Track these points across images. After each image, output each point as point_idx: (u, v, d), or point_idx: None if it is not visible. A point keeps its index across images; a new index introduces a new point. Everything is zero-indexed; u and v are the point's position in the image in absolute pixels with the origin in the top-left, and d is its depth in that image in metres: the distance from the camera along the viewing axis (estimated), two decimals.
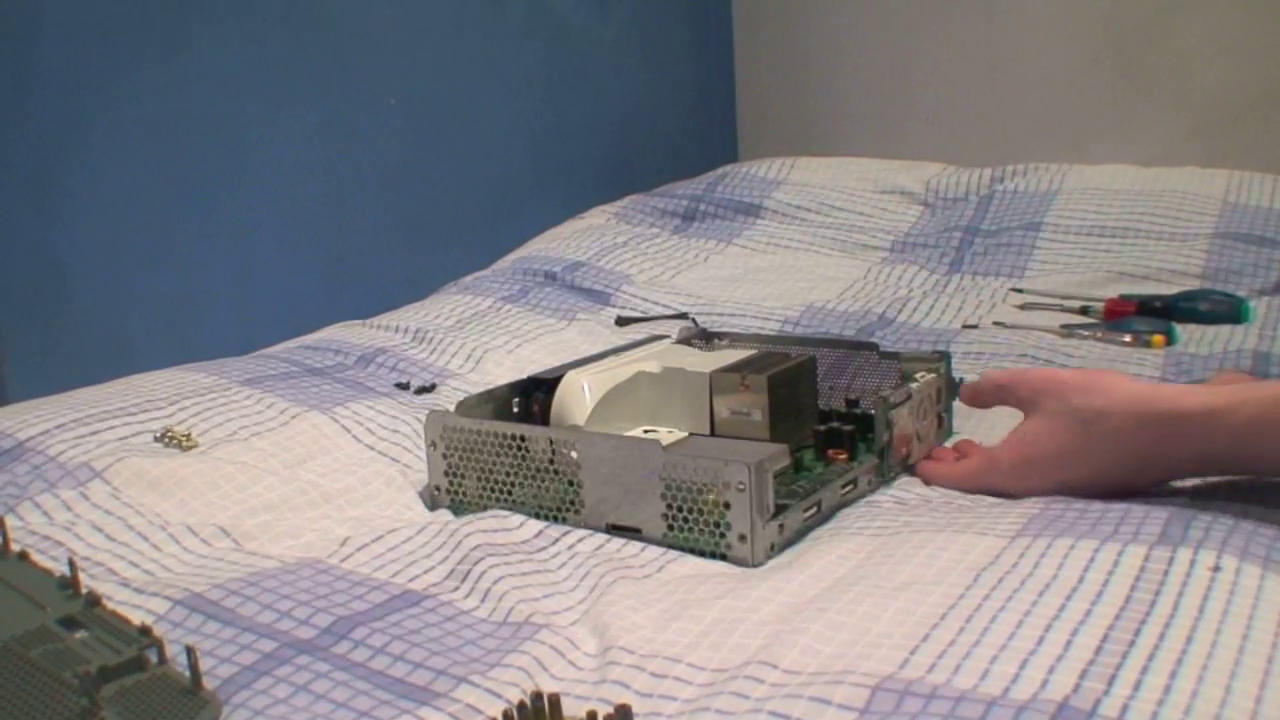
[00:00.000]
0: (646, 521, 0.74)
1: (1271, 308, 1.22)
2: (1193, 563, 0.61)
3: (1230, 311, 1.20)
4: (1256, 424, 0.66)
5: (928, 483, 0.82)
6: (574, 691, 0.56)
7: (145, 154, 1.32)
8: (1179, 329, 1.15)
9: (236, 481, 0.81)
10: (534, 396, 0.88)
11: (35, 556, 0.70)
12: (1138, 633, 0.54)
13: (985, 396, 0.83)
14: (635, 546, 0.73)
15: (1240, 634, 0.54)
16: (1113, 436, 0.72)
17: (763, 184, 1.71)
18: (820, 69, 2.03)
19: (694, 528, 0.72)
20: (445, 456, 0.82)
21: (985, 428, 0.92)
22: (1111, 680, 0.50)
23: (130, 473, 0.81)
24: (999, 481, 0.78)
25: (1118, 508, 0.70)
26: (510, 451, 0.79)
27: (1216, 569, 0.61)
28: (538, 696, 0.52)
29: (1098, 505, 0.71)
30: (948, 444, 0.90)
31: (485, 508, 0.80)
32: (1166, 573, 0.60)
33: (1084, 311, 1.25)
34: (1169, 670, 0.51)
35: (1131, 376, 0.75)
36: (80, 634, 0.59)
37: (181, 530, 0.76)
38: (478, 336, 1.21)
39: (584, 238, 1.57)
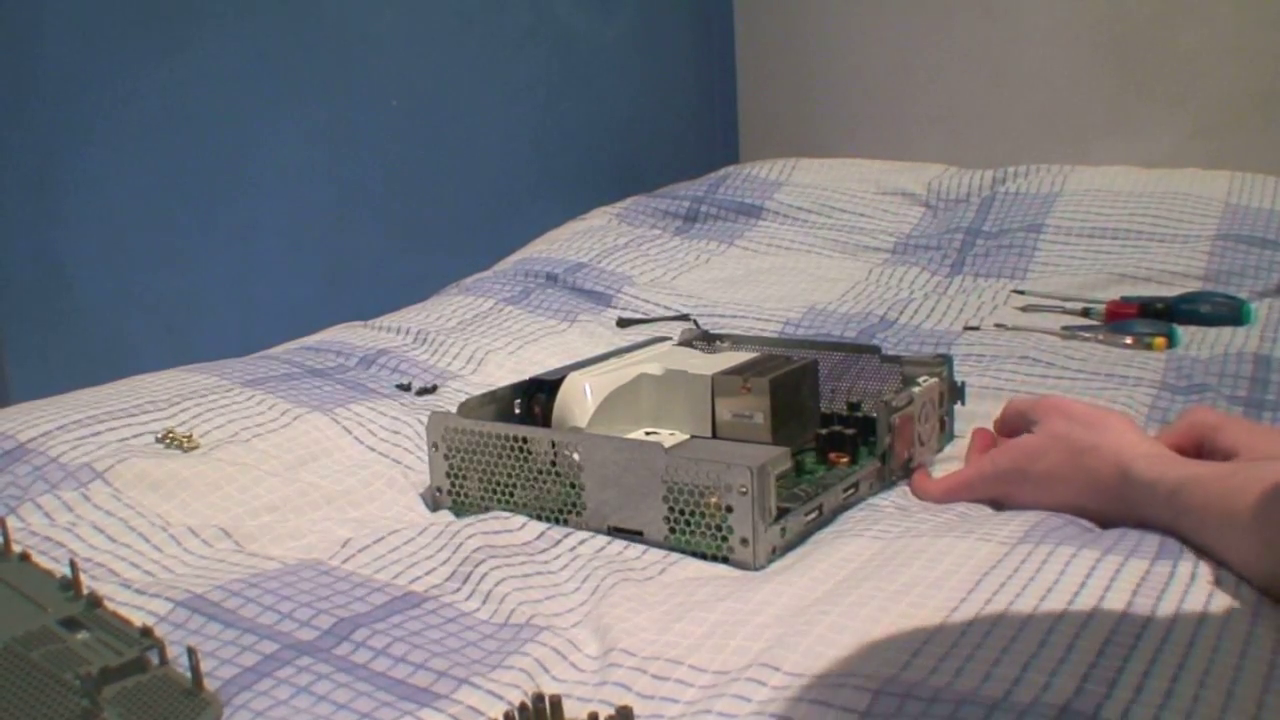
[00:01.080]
0: (648, 524, 0.74)
1: (1273, 310, 1.22)
2: (1194, 574, 0.61)
3: (1231, 313, 1.20)
4: (1193, 509, 0.66)
5: (920, 497, 0.82)
6: (575, 693, 0.56)
7: (146, 155, 1.32)
8: (1180, 331, 1.15)
9: (238, 483, 0.81)
10: (536, 398, 0.88)
11: (36, 557, 0.70)
12: (1139, 637, 0.54)
13: (1010, 425, 0.83)
14: (637, 549, 0.73)
15: (1242, 640, 0.54)
16: (1091, 474, 0.72)
17: (764, 185, 1.71)
18: (822, 70, 2.03)
19: (696, 530, 0.72)
20: (447, 458, 0.82)
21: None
22: (1113, 684, 0.50)
23: (132, 474, 0.81)
24: (988, 489, 0.78)
25: (1117, 529, 0.70)
26: (512, 453, 0.79)
27: (1219, 579, 0.61)
28: (539, 698, 0.52)
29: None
30: (948, 448, 0.90)
31: (487, 509, 0.80)
32: (1168, 581, 0.60)
33: (1085, 313, 1.25)
34: (1171, 674, 0.51)
35: (1139, 428, 0.75)
36: (81, 635, 0.59)
37: (183, 531, 0.76)
38: (479, 338, 1.21)
39: (585, 239, 1.57)
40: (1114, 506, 0.71)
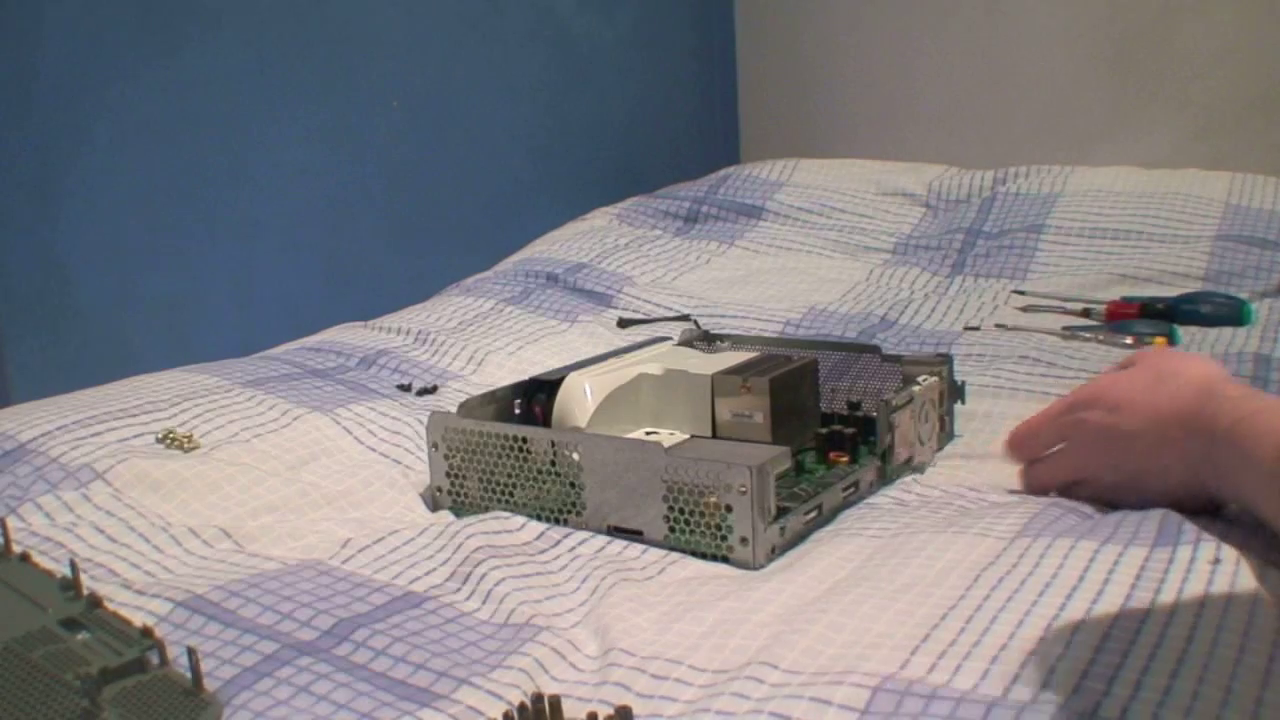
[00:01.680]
0: (648, 523, 0.74)
1: (1273, 310, 1.22)
2: (1192, 559, 0.61)
3: (1232, 314, 1.20)
4: (1228, 435, 0.65)
5: (1033, 490, 0.79)
6: (575, 693, 0.56)
7: (147, 155, 1.32)
8: (1181, 331, 1.15)
9: (238, 483, 0.81)
10: (536, 398, 0.88)
11: (37, 558, 0.70)
12: (1138, 631, 0.54)
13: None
14: (637, 549, 0.73)
15: (1241, 632, 0.54)
16: (1172, 396, 0.71)
17: (765, 186, 1.71)
18: (822, 71, 2.03)
19: (695, 530, 0.72)
20: (447, 458, 0.82)
21: (988, 430, 0.92)
22: (1112, 681, 0.50)
23: (132, 474, 0.82)
24: (1059, 420, 0.77)
25: (1115, 515, 0.70)
26: (512, 453, 0.79)
27: (1216, 561, 0.61)
28: (538, 698, 0.52)
29: (1093, 511, 0.71)
30: (949, 447, 0.90)
31: (487, 509, 0.80)
32: (1167, 570, 0.60)
33: (1086, 313, 1.25)
34: (1169, 670, 0.51)
35: (1229, 376, 0.74)
36: (82, 635, 0.59)
37: (183, 532, 0.76)
38: (479, 338, 1.21)
39: (586, 239, 1.57)
40: (1187, 430, 0.69)
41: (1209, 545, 0.62)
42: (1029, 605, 0.58)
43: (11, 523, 0.76)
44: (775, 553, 0.72)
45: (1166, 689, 0.50)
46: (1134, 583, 0.59)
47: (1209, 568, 0.60)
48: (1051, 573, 0.61)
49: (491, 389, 0.89)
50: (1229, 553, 0.61)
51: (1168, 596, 0.58)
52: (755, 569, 0.70)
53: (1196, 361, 0.74)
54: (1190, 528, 0.65)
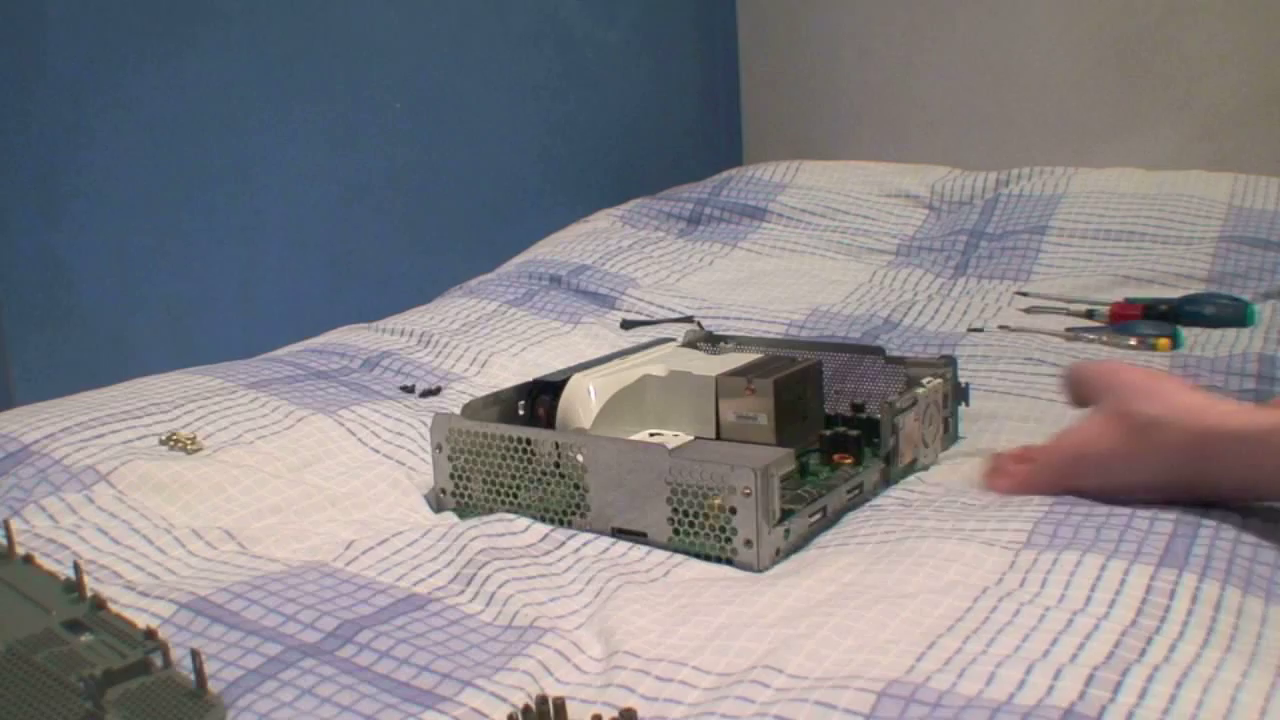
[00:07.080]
0: (652, 525, 0.74)
1: (1276, 311, 1.22)
2: (1198, 588, 0.61)
3: (1235, 315, 1.20)
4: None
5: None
6: (579, 695, 0.56)
7: (150, 157, 1.32)
8: (1184, 332, 1.15)
9: (242, 485, 0.81)
10: (539, 400, 0.88)
11: (40, 560, 0.70)
12: (1144, 650, 0.54)
13: (1073, 393, 0.80)
14: (641, 550, 0.73)
15: (1248, 654, 0.55)
16: (1161, 448, 0.70)
17: (768, 187, 1.71)
18: (825, 72, 2.03)
19: (699, 532, 0.72)
20: (451, 459, 0.82)
21: (991, 431, 0.92)
22: (1117, 688, 0.50)
23: (135, 476, 0.82)
24: (1052, 486, 0.75)
25: (1121, 515, 0.69)
26: (516, 455, 0.79)
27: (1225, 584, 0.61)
28: (543, 700, 0.52)
29: (1102, 510, 0.71)
30: (953, 448, 0.90)
31: (490, 511, 0.80)
32: (1176, 586, 0.60)
33: (1089, 315, 1.25)
34: (1175, 680, 0.51)
35: (1193, 385, 0.73)
36: (85, 637, 0.59)
37: (186, 533, 0.76)
38: (483, 340, 1.21)
39: (589, 241, 1.57)
40: (1187, 475, 0.69)
41: (1214, 582, 0.62)
42: (1037, 619, 0.57)
43: (15, 524, 0.76)
44: (780, 555, 0.72)
45: (1171, 698, 0.50)
46: (1140, 606, 0.59)
47: (1217, 592, 0.60)
48: (1059, 591, 0.61)
49: (495, 390, 0.89)
50: (1233, 593, 0.61)
51: (1178, 613, 0.58)
52: (759, 571, 0.70)
53: (1162, 397, 0.71)
54: (1197, 553, 0.64)
